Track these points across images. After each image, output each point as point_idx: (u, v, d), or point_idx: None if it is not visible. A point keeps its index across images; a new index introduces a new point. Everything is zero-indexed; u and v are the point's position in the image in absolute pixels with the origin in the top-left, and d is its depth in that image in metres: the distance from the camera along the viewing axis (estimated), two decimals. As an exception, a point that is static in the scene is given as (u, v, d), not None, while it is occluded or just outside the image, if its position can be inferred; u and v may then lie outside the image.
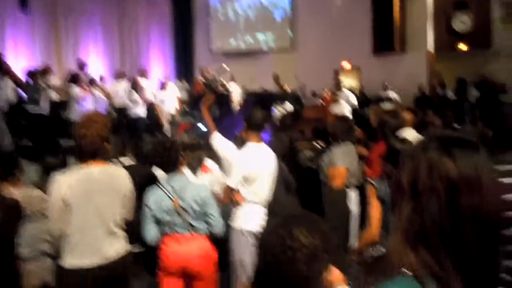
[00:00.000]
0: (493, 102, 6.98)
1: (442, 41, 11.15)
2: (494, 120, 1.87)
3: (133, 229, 2.83)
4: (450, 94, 10.72)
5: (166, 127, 10.17)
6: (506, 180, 1.65)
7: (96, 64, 14.89)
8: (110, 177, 2.52)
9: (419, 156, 0.94)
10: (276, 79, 12.48)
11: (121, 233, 2.58)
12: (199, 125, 8.38)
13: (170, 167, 2.92)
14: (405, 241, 0.92)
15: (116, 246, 2.52)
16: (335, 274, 1.14)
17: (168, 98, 10.34)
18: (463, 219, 0.89)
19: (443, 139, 0.96)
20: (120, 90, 9.90)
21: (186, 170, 3.30)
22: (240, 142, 3.65)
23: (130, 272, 2.67)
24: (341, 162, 3.72)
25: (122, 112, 9.88)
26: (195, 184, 2.98)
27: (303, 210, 2.14)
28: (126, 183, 2.60)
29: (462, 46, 10.96)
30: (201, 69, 12.05)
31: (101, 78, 11.07)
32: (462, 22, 10.90)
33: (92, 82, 9.30)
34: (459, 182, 0.89)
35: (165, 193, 2.84)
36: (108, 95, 10.15)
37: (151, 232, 2.85)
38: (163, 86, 10.52)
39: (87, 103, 8.53)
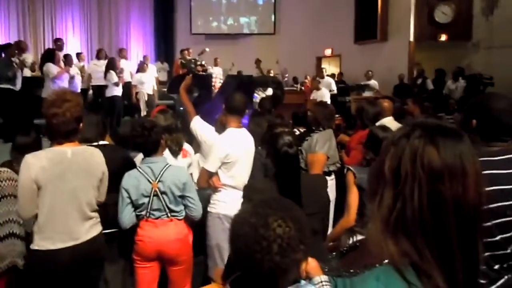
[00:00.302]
0: (480, 94, 7.05)
1: (424, 31, 11.23)
2: (481, 112, 1.85)
3: (107, 212, 2.77)
4: (429, 84, 10.83)
5: (143, 108, 10.03)
6: (486, 171, 1.65)
7: (73, 42, 14.53)
8: (84, 159, 2.44)
9: (402, 144, 0.92)
10: (258, 63, 12.41)
11: (95, 216, 2.52)
12: (181, 108, 8.25)
13: (150, 149, 2.85)
14: (385, 229, 0.90)
15: (89, 229, 2.46)
16: (312, 265, 1.11)
17: (147, 79, 10.17)
18: (445, 209, 0.87)
19: (426, 127, 0.93)
20: (99, 69, 9.66)
21: (166, 153, 3.24)
22: (220, 126, 3.59)
23: (103, 256, 2.62)
24: (321, 148, 3.71)
25: (99, 92, 9.67)
26: (175, 167, 2.93)
27: (280, 196, 2.11)
28: (100, 164, 2.53)
29: (443, 37, 11.06)
30: (181, 50, 11.86)
31: (78, 56, 10.79)
32: (444, 13, 10.98)
33: (68, 60, 9.03)
34: (442, 171, 0.88)
35: (144, 176, 2.78)
36: (85, 74, 9.92)
37: (127, 216, 2.79)
38: (142, 67, 10.33)
39: (62, 81, 8.29)
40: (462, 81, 10.09)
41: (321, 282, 1.05)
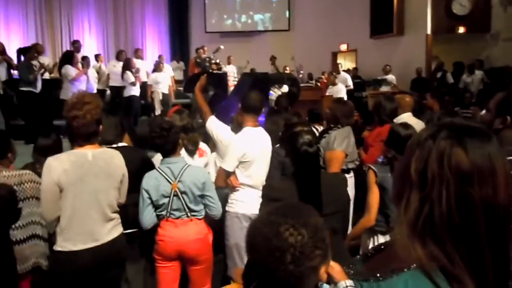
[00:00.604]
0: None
1: (441, 24, 11.04)
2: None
3: (127, 212, 2.80)
4: (450, 77, 10.62)
5: (157, 107, 10.08)
6: None
7: (90, 43, 14.70)
8: (105, 161, 2.47)
9: (429, 145, 0.90)
10: (273, 60, 12.38)
11: (116, 217, 2.54)
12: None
13: (169, 149, 2.86)
14: (412, 233, 0.88)
15: (110, 230, 2.49)
16: (336, 269, 1.10)
17: (163, 78, 10.21)
18: (474, 211, 0.85)
19: (453, 127, 0.91)
20: (117, 70, 9.73)
21: (182, 153, 3.26)
22: (236, 125, 3.59)
23: (125, 256, 2.65)
24: (339, 145, 3.67)
25: (118, 92, 9.74)
26: (194, 167, 2.94)
27: (298, 197, 2.10)
28: (121, 166, 2.56)
29: (461, 29, 10.86)
30: (196, 49, 11.91)
31: (96, 57, 10.90)
32: (461, 5, 10.78)
33: (86, 62, 9.13)
34: (471, 172, 0.85)
35: (164, 176, 2.79)
36: (104, 75, 10.01)
37: (148, 217, 2.81)
38: (157, 67, 10.39)
39: (80, 83, 8.40)
40: (478, 73, 9.88)
41: (347, 286, 1.04)
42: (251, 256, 1.11)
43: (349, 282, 1.03)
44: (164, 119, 3.31)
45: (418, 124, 3.96)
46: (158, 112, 10.01)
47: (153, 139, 2.82)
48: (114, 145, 3.03)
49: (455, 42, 11.32)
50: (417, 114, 4.85)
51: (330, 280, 1.09)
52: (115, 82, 9.85)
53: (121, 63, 9.82)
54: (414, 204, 0.88)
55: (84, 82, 8.55)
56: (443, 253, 0.85)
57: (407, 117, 4.17)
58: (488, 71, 9.26)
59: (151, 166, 3.09)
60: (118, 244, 2.52)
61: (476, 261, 0.85)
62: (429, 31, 11.14)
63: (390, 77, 11.05)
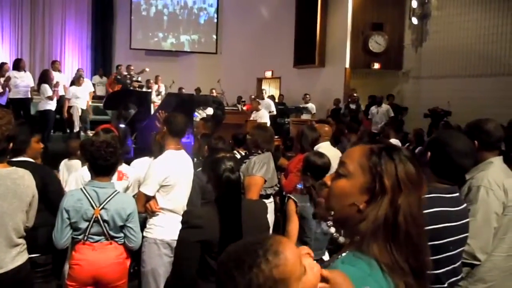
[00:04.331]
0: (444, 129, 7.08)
1: (358, 59, 11.83)
2: (437, 147, 1.86)
3: (36, 236, 2.61)
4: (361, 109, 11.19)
5: (77, 124, 9.57)
6: (440, 208, 1.75)
7: (1, 52, 13.74)
8: (13, 181, 2.27)
9: (386, 162, 1.06)
10: (197, 92, 12.43)
11: (21, 242, 2.35)
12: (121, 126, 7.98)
13: (109, 170, 2.70)
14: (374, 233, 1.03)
15: (15, 257, 2.29)
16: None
17: (82, 93, 9.70)
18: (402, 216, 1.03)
19: (386, 148, 1.09)
20: (20, 82, 8.82)
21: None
22: (157, 145, 3.52)
23: (31, 284, 2.45)
24: (258, 171, 3.71)
25: (21, 105, 8.84)
26: (123, 195, 2.81)
27: (213, 226, 2.10)
28: (30, 187, 2.37)
29: (376, 65, 11.70)
30: (117, 66, 11.54)
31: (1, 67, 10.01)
32: (377, 42, 11.63)
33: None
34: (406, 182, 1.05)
35: (88, 199, 2.63)
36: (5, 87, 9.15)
37: (66, 238, 2.64)
38: (78, 81, 9.88)
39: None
40: (385, 107, 10.61)
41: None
42: None
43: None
44: (107, 138, 3.14)
45: (335, 153, 4.15)
46: (77, 128, 9.48)
47: (99, 153, 2.62)
48: (14, 159, 2.77)
49: (370, 76, 12.13)
50: (335, 142, 5.10)
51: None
52: (17, 94, 8.77)
53: (22, 73, 8.88)
54: (382, 211, 1.03)
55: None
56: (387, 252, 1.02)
57: (326, 146, 4.34)
58: (430, 111, 9.65)
59: (58, 184, 2.91)
60: (23, 271, 2.32)
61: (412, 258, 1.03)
62: (347, 65, 11.85)
63: (310, 105, 11.51)
